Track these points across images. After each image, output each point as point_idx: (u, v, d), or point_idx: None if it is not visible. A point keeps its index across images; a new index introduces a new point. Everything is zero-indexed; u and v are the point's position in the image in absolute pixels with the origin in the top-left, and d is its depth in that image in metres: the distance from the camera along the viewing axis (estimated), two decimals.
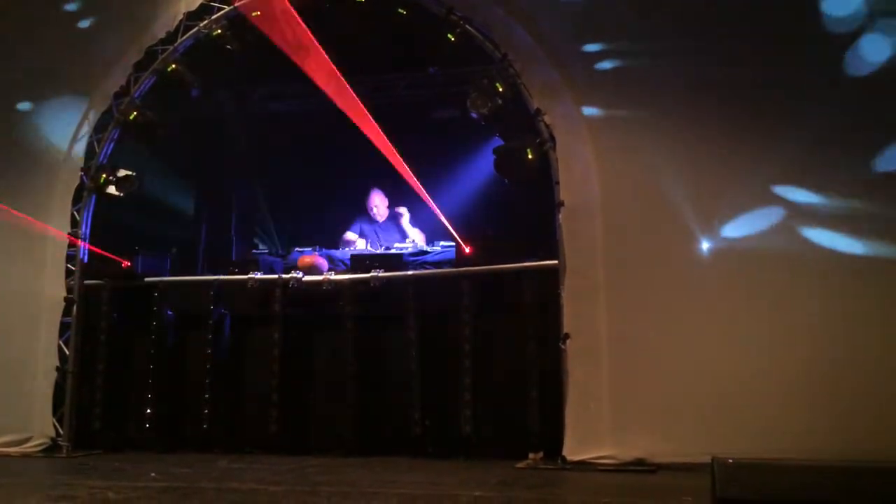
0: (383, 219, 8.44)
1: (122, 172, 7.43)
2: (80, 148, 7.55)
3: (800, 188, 5.92)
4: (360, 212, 8.45)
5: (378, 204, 8.42)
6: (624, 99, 6.43)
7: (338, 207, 8.72)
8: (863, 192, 5.81)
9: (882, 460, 4.55)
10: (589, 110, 6.48)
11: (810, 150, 5.91)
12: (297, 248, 7.95)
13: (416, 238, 8.19)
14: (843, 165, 5.89)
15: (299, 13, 6.70)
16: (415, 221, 8.39)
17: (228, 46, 7.24)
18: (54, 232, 7.39)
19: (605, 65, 6.52)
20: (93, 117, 7.57)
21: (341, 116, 6.74)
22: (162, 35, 7.46)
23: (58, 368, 7.16)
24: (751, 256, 5.98)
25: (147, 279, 7.59)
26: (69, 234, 7.40)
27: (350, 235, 8.31)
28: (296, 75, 6.96)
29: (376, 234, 8.35)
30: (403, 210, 8.31)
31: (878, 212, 5.76)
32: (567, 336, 6.18)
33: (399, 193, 8.16)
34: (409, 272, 7.19)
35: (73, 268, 7.38)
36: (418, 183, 6.87)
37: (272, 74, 8.09)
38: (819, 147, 5.90)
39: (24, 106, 7.79)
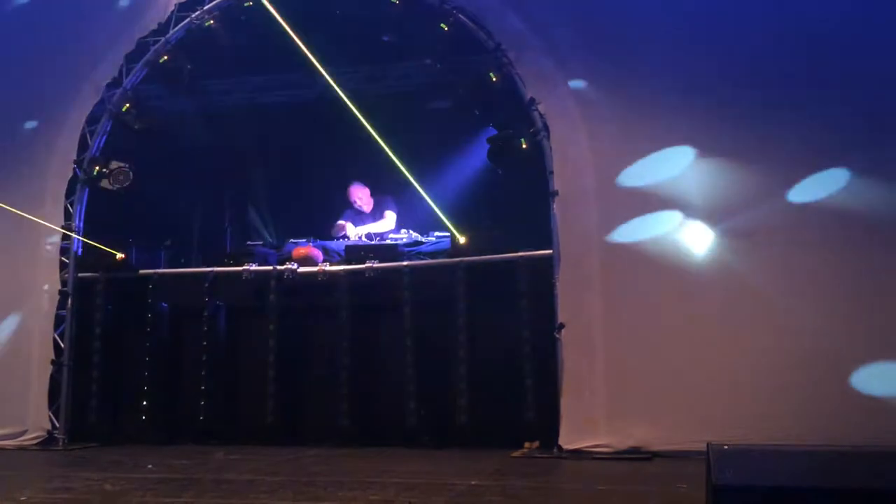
0: (369, 209, 8.37)
1: (114, 165, 7.42)
2: (72, 140, 7.51)
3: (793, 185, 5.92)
4: (349, 204, 8.38)
5: (360, 196, 8.35)
6: (619, 87, 6.42)
7: (332, 199, 8.67)
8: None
9: (874, 445, 4.59)
10: (584, 98, 6.47)
11: (810, 146, 5.92)
12: (292, 240, 7.92)
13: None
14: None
15: (293, 4, 6.66)
16: (409, 213, 8.33)
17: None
18: (48, 225, 7.36)
19: (600, 52, 6.50)
20: (85, 109, 7.52)
21: (334, 110, 6.72)
22: (153, 26, 7.44)
23: (53, 361, 7.16)
24: (746, 247, 5.99)
25: (141, 272, 7.58)
26: (63, 226, 7.37)
27: (343, 223, 8.22)
28: (289, 68, 6.92)
29: (364, 225, 8.26)
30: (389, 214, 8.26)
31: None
32: (562, 325, 6.19)
33: (390, 185, 8.14)
34: (404, 262, 7.18)
35: (67, 261, 7.37)
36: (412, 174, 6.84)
37: (264, 66, 8.04)
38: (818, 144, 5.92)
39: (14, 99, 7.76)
